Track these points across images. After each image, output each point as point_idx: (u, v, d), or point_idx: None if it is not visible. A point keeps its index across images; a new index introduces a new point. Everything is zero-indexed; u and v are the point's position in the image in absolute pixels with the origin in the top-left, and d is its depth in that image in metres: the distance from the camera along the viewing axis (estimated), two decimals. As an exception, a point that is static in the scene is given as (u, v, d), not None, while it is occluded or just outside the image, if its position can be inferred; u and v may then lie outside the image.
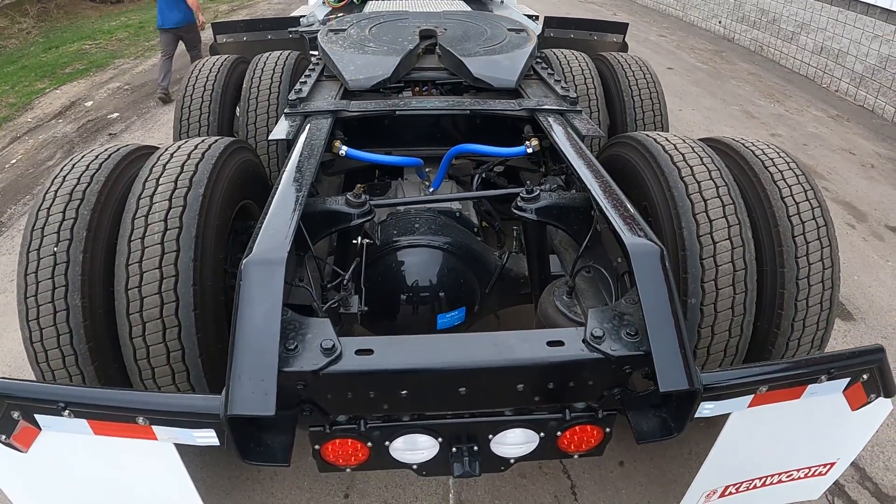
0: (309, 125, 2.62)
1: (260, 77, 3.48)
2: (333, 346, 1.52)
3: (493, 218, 2.96)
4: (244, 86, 3.51)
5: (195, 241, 2.03)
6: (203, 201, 2.11)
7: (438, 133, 3.11)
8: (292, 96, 2.89)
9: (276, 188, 2.06)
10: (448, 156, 2.70)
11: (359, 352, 1.53)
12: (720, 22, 10.93)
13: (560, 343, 1.58)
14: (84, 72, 9.06)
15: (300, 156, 2.30)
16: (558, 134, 2.56)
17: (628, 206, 2.00)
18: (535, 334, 1.63)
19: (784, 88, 8.18)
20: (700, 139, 2.65)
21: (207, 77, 3.65)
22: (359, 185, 2.18)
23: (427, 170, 2.88)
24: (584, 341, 1.59)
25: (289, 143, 2.52)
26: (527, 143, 2.75)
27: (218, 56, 3.93)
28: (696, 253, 2.15)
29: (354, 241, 2.20)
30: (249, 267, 1.61)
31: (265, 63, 3.58)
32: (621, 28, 4.88)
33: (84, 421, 1.58)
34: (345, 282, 2.07)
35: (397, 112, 2.83)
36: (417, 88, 3.34)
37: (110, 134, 6.71)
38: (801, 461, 2.01)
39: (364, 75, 3.07)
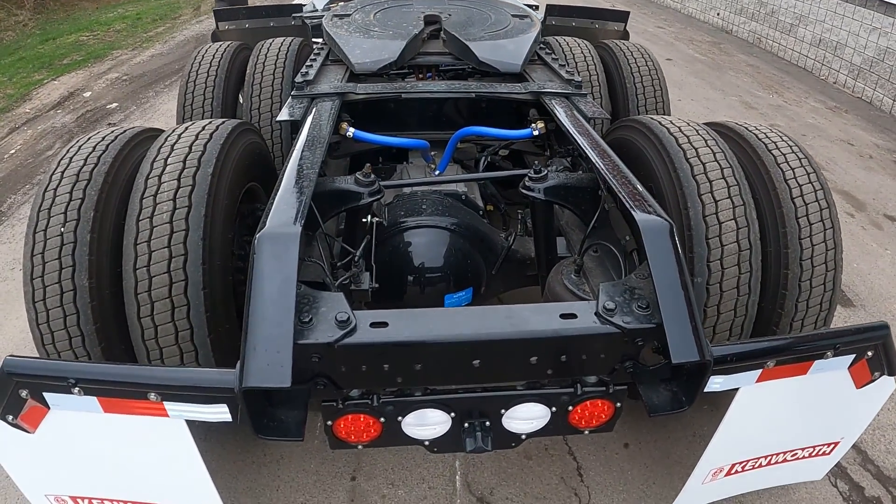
0: (316, 107, 2.62)
1: (264, 63, 3.47)
2: (348, 318, 1.52)
3: (498, 201, 2.98)
4: (248, 71, 3.50)
5: (204, 220, 2.03)
6: (212, 180, 2.11)
7: (444, 117, 3.11)
8: (299, 79, 2.89)
9: (286, 166, 2.06)
10: (454, 138, 2.70)
11: (374, 324, 1.54)
12: (718, 14, 10.93)
13: (573, 315, 1.59)
14: (82, 63, 9.01)
15: (309, 136, 2.30)
16: (564, 116, 2.57)
17: (636, 184, 2.01)
18: (548, 307, 1.63)
19: (782, 80, 8.19)
20: (704, 123, 2.66)
21: (211, 63, 3.64)
22: (367, 165, 2.19)
23: (432, 153, 2.89)
24: (596, 314, 1.60)
25: (295, 126, 2.52)
26: (532, 125, 2.75)
27: (221, 42, 3.92)
28: (701, 233, 2.16)
29: (364, 220, 2.21)
30: (263, 240, 1.61)
31: (269, 49, 3.57)
32: (622, 16, 4.88)
33: (94, 398, 1.57)
34: (356, 259, 2.08)
35: (403, 95, 2.84)
36: (422, 74, 3.35)
37: (109, 124, 6.68)
38: (807, 440, 2.02)
39: (370, 59, 3.07)
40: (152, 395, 1.56)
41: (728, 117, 6.79)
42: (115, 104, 7.28)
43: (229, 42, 3.92)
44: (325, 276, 1.98)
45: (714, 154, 2.34)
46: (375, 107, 2.96)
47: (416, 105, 3.02)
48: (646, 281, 1.70)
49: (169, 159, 2.14)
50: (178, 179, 2.09)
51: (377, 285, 2.12)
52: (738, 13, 10.29)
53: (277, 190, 1.89)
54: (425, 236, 2.41)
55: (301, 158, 2.11)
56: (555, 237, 2.54)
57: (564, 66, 3.23)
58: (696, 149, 2.35)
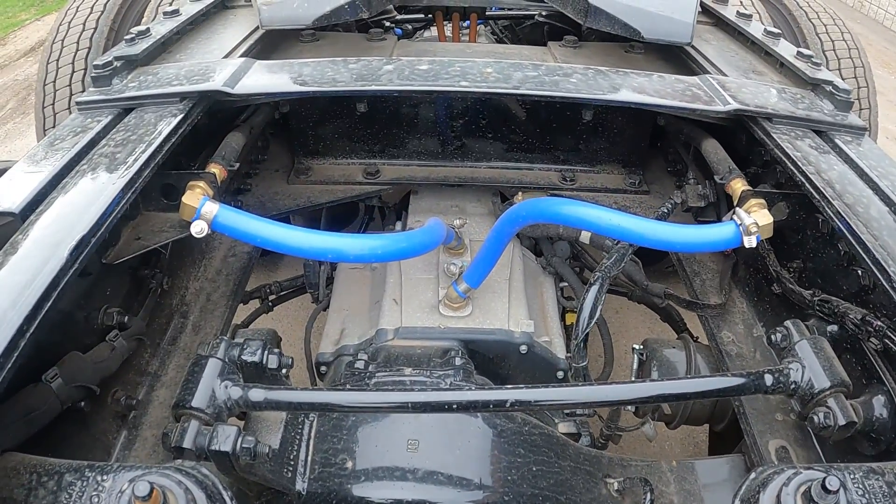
0: (124, 133, 0.94)
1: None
2: None
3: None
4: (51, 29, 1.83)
5: None
6: None
7: (485, 129, 1.38)
8: (100, 60, 1.16)
9: None
10: (518, 218, 1.04)
11: None
12: (808, -28, 8.75)
13: None
14: None
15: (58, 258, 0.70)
16: (830, 190, 0.87)
17: None
18: None
19: (898, 56, 6.27)
20: None
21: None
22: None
23: (459, 222, 1.22)
24: None
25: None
26: (738, 217, 1.00)
27: None
28: None
29: None
30: None
31: None
32: None
33: None
34: None
35: (386, 87, 1.11)
36: (447, 21, 1.59)
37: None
38: None
39: None
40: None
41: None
42: (91, 53, 5.69)
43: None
44: None
45: None
46: (314, 111, 1.27)
47: (417, 108, 1.31)
48: None
49: None
50: None
51: None
52: (836, -29, 8.13)
53: None
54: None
55: None
56: None
57: (779, 34, 1.42)
58: None
